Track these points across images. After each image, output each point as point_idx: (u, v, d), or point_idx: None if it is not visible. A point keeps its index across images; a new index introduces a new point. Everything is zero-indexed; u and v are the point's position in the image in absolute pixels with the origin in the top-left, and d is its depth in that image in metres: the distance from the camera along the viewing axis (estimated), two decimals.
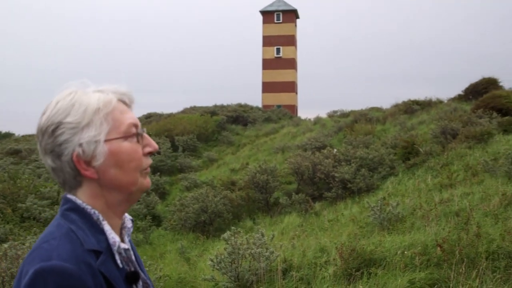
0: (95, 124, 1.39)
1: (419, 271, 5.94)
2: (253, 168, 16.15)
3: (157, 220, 16.06)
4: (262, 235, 7.61)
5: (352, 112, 31.67)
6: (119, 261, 1.39)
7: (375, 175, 13.86)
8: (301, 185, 15.59)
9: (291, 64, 52.10)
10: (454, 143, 14.59)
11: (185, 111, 39.92)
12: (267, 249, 7.27)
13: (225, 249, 7.47)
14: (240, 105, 39.31)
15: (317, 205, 13.45)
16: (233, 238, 7.41)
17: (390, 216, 8.99)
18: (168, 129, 29.59)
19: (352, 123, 25.28)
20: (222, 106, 39.07)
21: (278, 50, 51.88)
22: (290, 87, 51.85)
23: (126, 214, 1.58)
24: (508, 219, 7.22)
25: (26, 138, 44.89)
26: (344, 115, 32.50)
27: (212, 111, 35.46)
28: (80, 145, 1.38)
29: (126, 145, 1.42)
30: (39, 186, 18.36)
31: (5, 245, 8.45)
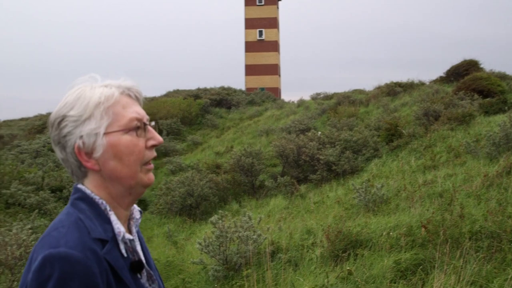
0: (96, 117, 1.44)
1: (405, 252, 6.07)
2: (238, 151, 16.20)
3: (143, 204, 16.07)
4: (249, 218, 7.69)
5: (335, 94, 31.75)
6: (124, 251, 1.44)
7: (359, 157, 13.99)
8: (286, 168, 15.69)
9: (273, 46, 51.93)
10: (437, 125, 14.77)
11: (168, 94, 39.71)
12: (254, 232, 7.36)
13: (213, 232, 7.54)
14: (223, 88, 39.20)
15: (303, 188, 13.56)
16: (220, 221, 7.49)
17: (375, 198, 9.13)
18: (151, 113, 29.41)
19: (335, 106, 25.39)
20: (205, 89, 38.92)
21: (260, 33, 51.63)
22: (273, 69, 51.75)
23: (135, 206, 1.64)
24: (490, 200, 7.38)
25: (8, 123, 44.36)
26: (328, 97, 32.57)
27: (196, 95, 35.34)
28: (81, 137, 1.44)
29: (126, 138, 1.46)
30: (23, 171, 18.22)
31: None
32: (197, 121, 30.58)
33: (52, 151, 23.01)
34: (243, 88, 46.13)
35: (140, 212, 1.65)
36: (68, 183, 16.49)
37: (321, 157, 13.76)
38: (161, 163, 21.81)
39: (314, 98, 33.97)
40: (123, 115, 1.47)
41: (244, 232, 7.28)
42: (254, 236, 7.20)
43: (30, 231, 9.64)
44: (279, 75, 53.72)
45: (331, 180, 13.37)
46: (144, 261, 1.57)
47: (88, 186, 1.48)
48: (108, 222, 1.45)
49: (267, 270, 6.47)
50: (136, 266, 1.46)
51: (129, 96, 1.53)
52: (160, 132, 26.36)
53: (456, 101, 17.23)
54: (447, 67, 27.72)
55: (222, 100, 34.89)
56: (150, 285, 1.55)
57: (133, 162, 1.46)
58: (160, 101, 33.59)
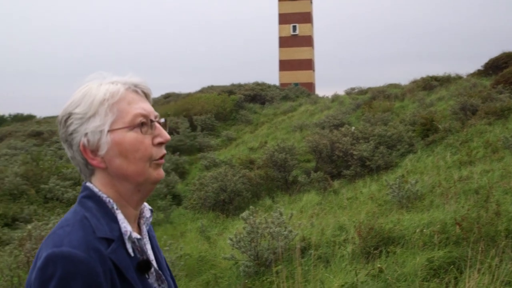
0: (100, 114, 1.43)
1: (438, 250, 5.95)
2: (271, 147, 16.19)
3: (177, 199, 16.22)
4: (281, 214, 7.67)
5: (370, 89, 31.34)
6: (130, 250, 1.42)
7: (394, 153, 13.81)
8: (319, 163, 15.60)
9: (307, 41, 51.57)
10: (474, 120, 14.44)
11: (202, 90, 39.93)
12: (285, 228, 7.34)
13: (244, 228, 7.55)
14: (257, 84, 39.15)
15: (336, 183, 13.47)
16: (251, 217, 7.49)
17: (408, 194, 8.99)
18: (186, 109, 29.69)
19: (370, 100, 25.08)
20: (239, 85, 38.96)
21: (294, 28, 51.32)
22: (307, 64, 51.41)
23: (146, 204, 1.61)
24: None
25: (47, 120, 45.41)
26: (362, 92, 32.17)
27: (230, 90, 35.42)
28: (86, 134, 1.43)
29: (131, 135, 1.43)
30: (61, 167, 18.62)
31: (29, 226, 8.66)
32: (231, 116, 30.66)
33: None
34: (277, 84, 46.01)
35: (151, 211, 1.63)
36: None
37: (354, 152, 13.64)
38: (195, 159, 21.98)
39: (349, 92, 33.63)
40: (127, 112, 1.45)
41: (275, 228, 7.26)
42: (285, 232, 7.18)
43: None
44: (313, 70, 53.38)
45: (365, 175, 13.24)
46: (154, 260, 1.55)
47: (96, 184, 1.47)
48: (115, 221, 1.43)
49: (297, 266, 6.45)
50: (143, 266, 1.44)
51: (136, 92, 1.50)
52: (194, 128, 26.51)
53: (495, 95, 16.80)
54: (485, 60, 27.06)
55: (256, 95, 34.89)
56: (159, 285, 1.53)
57: (138, 159, 1.44)
58: (194, 97, 33.80)
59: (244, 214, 7.72)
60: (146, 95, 1.55)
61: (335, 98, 30.85)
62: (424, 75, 27.64)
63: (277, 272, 6.49)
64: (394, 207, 8.91)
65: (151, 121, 1.48)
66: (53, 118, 48.07)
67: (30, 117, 52.08)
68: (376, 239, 6.64)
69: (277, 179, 15.09)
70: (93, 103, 1.43)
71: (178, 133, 24.78)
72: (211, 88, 40.41)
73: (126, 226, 1.44)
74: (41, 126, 36.91)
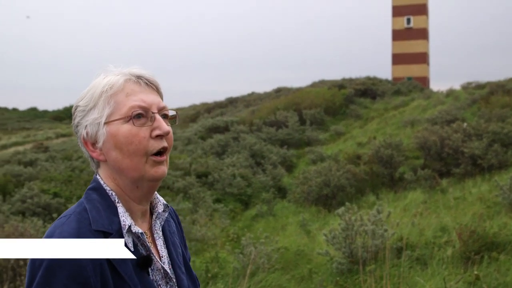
0: (99, 106, 1.43)
1: None
2: (377, 142, 15.80)
3: (282, 192, 16.35)
4: (378, 212, 7.46)
5: (488, 83, 29.45)
6: (130, 244, 1.40)
7: (510, 152, 12.91)
8: (427, 161, 14.97)
9: (422, 34, 49.45)
10: None
11: (313, 85, 39.86)
12: (382, 226, 7.13)
13: (339, 224, 7.45)
14: (368, 78, 38.36)
15: (444, 182, 12.86)
16: (347, 214, 7.36)
17: None
18: (296, 103, 29.73)
19: (487, 95, 23.57)
20: (350, 79, 38.39)
21: (408, 20, 49.45)
22: (422, 58, 49.34)
23: (160, 199, 1.60)
24: None
25: None
26: (479, 86, 30.29)
27: (340, 85, 35.00)
28: (86, 127, 1.45)
29: (125, 127, 1.42)
30: (174, 157, 19.44)
31: None
32: (341, 111, 30.28)
33: (203, 138, 24.33)
34: (389, 78, 44.74)
35: (165, 205, 1.59)
36: (213, 170, 17.32)
37: (465, 150, 12.92)
38: (303, 153, 22.00)
39: (465, 87, 31.88)
40: (124, 104, 1.43)
41: (371, 226, 7.08)
42: (381, 231, 6.98)
43: None
44: (428, 64, 51.19)
45: (476, 175, 12.49)
46: (163, 257, 1.52)
47: (102, 177, 1.49)
48: (116, 214, 1.43)
49: (392, 267, 6.25)
50: (142, 262, 1.41)
51: (138, 84, 1.48)
52: (303, 122, 26.45)
53: None
54: None
55: (367, 90, 34.17)
56: (167, 283, 1.49)
57: (132, 152, 1.41)
58: (304, 91, 33.83)
59: (340, 210, 7.61)
60: (152, 87, 1.52)
61: (450, 92, 29.41)
62: None
63: (370, 272, 6.33)
64: (503, 210, 8.34)
65: (152, 112, 1.45)
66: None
67: None
68: (478, 243, 6.26)
69: (383, 176, 14.69)
70: (94, 96, 1.45)
71: (287, 126, 24.92)
72: (322, 82, 40.23)
73: (125, 219, 1.42)
74: None
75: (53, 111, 66.14)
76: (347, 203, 7.99)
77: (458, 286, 5.02)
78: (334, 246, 7.29)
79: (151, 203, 1.58)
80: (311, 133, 24.99)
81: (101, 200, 1.44)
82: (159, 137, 1.45)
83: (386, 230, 6.96)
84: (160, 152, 1.46)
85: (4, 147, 32.91)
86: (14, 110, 67.76)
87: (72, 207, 1.45)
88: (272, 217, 13.43)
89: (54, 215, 10.80)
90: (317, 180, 13.82)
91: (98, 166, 1.51)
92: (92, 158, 1.50)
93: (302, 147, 23.38)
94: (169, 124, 1.52)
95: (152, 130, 1.44)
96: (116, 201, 1.45)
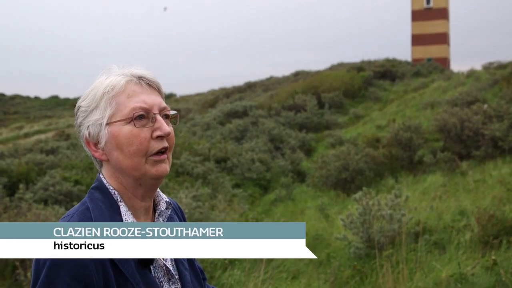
0: (101, 107, 1.46)
1: None
2: (396, 125, 15.69)
3: (301, 177, 16.35)
4: (396, 196, 7.44)
5: (510, 63, 28.88)
6: None
7: None
8: (447, 143, 14.82)
9: (442, 14, 48.53)
10: None
11: (332, 67, 39.57)
12: (399, 211, 7.10)
13: (356, 209, 7.44)
14: (387, 60, 37.91)
15: (464, 164, 12.73)
16: (364, 198, 7.35)
17: None
18: (314, 86, 29.56)
19: (509, 75, 23.15)
20: (369, 62, 37.97)
21: (428, 0, 48.67)
22: (442, 38, 48.51)
23: (163, 197, 1.61)
24: None
25: (185, 98, 47.89)
26: (501, 66, 29.74)
27: (359, 67, 34.68)
28: (88, 127, 1.47)
29: (126, 128, 1.44)
30: (193, 143, 19.52)
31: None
32: (360, 94, 30.03)
33: (222, 123, 24.38)
34: (409, 59, 44.15)
35: (168, 203, 1.61)
36: (232, 155, 17.38)
37: (486, 132, 12.76)
38: (322, 136, 21.94)
39: (487, 67, 31.37)
40: (125, 105, 1.46)
41: (388, 210, 7.07)
42: (398, 216, 6.96)
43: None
44: (448, 44, 50.36)
45: (496, 157, 12.34)
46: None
47: (105, 176, 1.51)
48: (119, 213, 1.46)
49: (409, 252, 6.25)
50: (144, 260, 1.43)
51: (140, 85, 1.50)
52: (322, 106, 26.30)
53: None
54: None
55: (386, 72, 33.81)
56: (169, 279, 1.52)
57: (133, 153, 1.44)
58: (323, 74, 33.61)
59: (357, 195, 7.60)
60: (154, 88, 1.54)
61: (471, 73, 28.93)
62: None
63: (387, 256, 6.33)
64: None
65: (154, 113, 1.48)
66: (190, 96, 50.56)
67: (171, 96, 55.09)
68: (497, 227, 6.20)
69: (402, 159, 14.59)
70: (96, 96, 1.47)
71: (305, 110, 24.84)
72: (340, 65, 39.89)
73: (127, 218, 1.46)
74: (178, 104, 38.97)
75: (74, 99, 66.77)
76: (364, 188, 7.96)
77: (475, 271, 4.99)
78: (352, 231, 7.30)
79: (154, 200, 1.60)
80: (330, 117, 24.87)
81: (103, 199, 1.47)
82: (160, 137, 1.48)
83: (404, 215, 6.94)
84: (161, 151, 1.49)
85: (27, 135, 33.40)
86: (36, 98, 68.64)
87: (75, 206, 1.49)
88: (291, 202, 13.46)
89: (75, 202, 10.96)
90: (335, 164, 13.79)
91: (101, 165, 1.54)
92: (94, 157, 1.53)
93: (321, 130, 23.30)
94: (170, 124, 1.55)
95: (153, 131, 1.47)
96: (119, 200, 1.49)
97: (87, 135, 1.49)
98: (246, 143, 19.20)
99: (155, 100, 1.50)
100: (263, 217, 10.19)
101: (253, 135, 20.53)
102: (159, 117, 1.49)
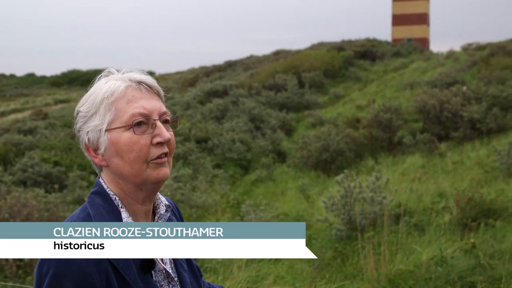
0: (100, 113, 1.44)
1: None
2: (376, 106, 15.79)
3: (282, 157, 16.40)
4: (377, 178, 7.52)
5: (489, 44, 29.20)
6: None
7: (509, 115, 12.94)
8: (426, 124, 14.99)
9: None
10: None
11: (312, 47, 39.46)
12: (380, 193, 7.20)
13: (338, 191, 7.52)
14: (368, 40, 37.95)
15: (443, 146, 12.91)
16: (346, 180, 7.42)
17: None
18: (295, 66, 29.51)
19: (488, 57, 23.45)
20: (349, 41, 37.96)
21: None
22: (422, 19, 48.74)
23: (162, 200, 1.61)
24: None
25: (164, 77, 47.38)
26: (480, 48, 30.07)
27: (340, 47, 34.67)
28: (87, 133, 1.46)
29: (126, 135, 1.43)
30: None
31: None
32: (340, 74, 30.08)
33: (202, 103, 24.24)
34: (389, 39, 44.27)
35: (167, 206, 1.61)
36: (212, 135, 17.31)
37: (464, 114, 12.94)
38: (303, 116, 21.99)
39: (465, 48, 31.65)
40: (125, 111, 1.44)
41: (369, 193, 7.16)
42: (379, 198, 7.06)
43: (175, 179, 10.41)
44: (428, 25, 50.61)
45: (474, 139, 12.55)
46: (161, 258, 1.52)
47: (105, 181, 1.51)
48: (120, 218, 1.45)
49: (390, 233, 6.35)
50: (145, 265, 1.43)
51: (139, 90, 1.49)
52: (302, 85, 26.31)
53: None
54: None
55: (366, 52, 33.88)
56: (169, 282, 1.52)
57: (133, 160, 1.43)
58: (303, 53, 33.55)
59: (339, 177, 7.67)
60: (154, 92, 1.53)
61: (450, 54, 29.19)
62: None
63: (368, 238, 6.43)
64: (500, 175, 8.41)
65: (154, 119, 1.46)
66: (170, 75, 50.07)
67: (150, 74, 54.43)
68: (475, 210, 6.34)
69: (382, 140, 14.73)
70: (95, 102, 1.46)
71: (286, 90, 24.82)
72: (321, 44, 39.80)
73: None
74: (158, 83, 38.50)
75: (51, 77, 65.79)
76: (345, 170, 8.03)
77: (455, 254, 5.11)
78: (333, 213, 7.38)
79: (153, 204, 1.60)
80: (310, 97, 24.88)
81: (104, 204, 1.46)
82: (160, 143, 1.46)
83: (384, 197, 7.04)
84: (161, 156, 1.48)
85: (4, 114, 32.85)
86: (12, 76, 67.34)
87: (76, 211, 1.48)
88: (272, 182, 13.52)
89: (55, 185, 10.86)
90: (316, 145, 13.86)
91: (100, 170, 1.53)
92: (94, 162, 1.52)
93: (301, 110, 23.33)
94: (170, 129, 1.53)
95: (153, 138, 1.45)
96: (120, 205, 1.48)
97: (87, 141, 1.48)
98: (226, 123, 19.15)
99: (155, 106, 1.49)
100: (245, 199, 10.22)
101: (234, 115, 20.47)
102: (159, 123, 1.47)
